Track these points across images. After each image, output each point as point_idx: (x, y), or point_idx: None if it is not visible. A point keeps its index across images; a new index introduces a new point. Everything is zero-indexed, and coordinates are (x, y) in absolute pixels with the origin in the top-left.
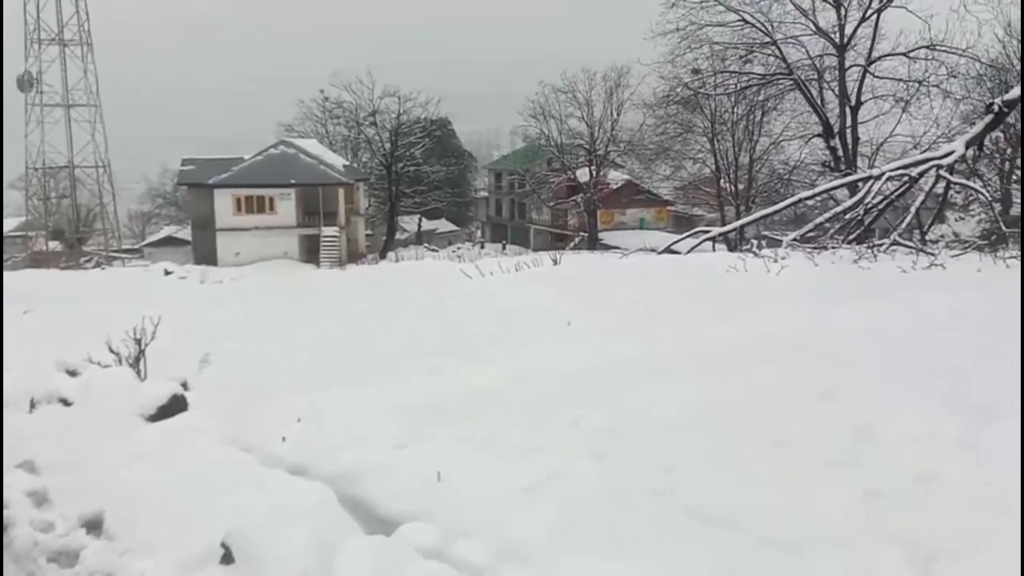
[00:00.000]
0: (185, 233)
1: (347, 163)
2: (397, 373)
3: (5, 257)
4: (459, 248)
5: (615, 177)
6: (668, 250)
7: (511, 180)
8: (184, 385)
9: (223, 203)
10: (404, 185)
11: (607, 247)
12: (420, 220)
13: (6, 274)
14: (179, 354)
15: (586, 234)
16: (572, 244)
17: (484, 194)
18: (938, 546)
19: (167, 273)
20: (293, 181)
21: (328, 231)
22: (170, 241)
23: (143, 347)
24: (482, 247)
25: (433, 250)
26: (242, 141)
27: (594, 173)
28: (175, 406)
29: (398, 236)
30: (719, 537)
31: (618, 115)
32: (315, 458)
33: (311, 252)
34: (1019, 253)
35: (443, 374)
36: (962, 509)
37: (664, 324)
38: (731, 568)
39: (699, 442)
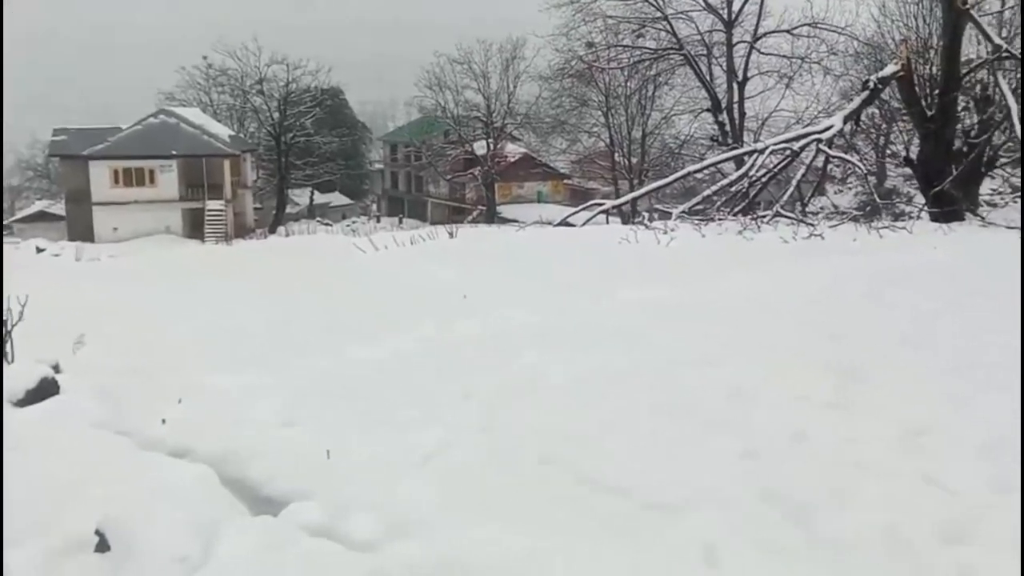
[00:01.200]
0: (59, 208)
1: (233, 133)
2: (283, 352)
3: None
4: (354, 222)
5: (512, 150)
6: (564, 223)
7: (407, 152)
8: (56, 368)
9: (99, 176)
10: (294, 156)
11: (505, 220)
12: (312, 193)
13: None
14: (52, 336)
15: (484, 208)
16: (470, 218)
17: (379, 166)
18: (810, 501)
19: (39, 250)
20: (175, 152)
21: (213, 205)
22: (42, 216)
23: (9, 329)
24: (378, 221)
25: (327, 224)
26: (116, 109)
27: (491, 146)
28: (46, 389)
29: (289, 210)
30: (606, 503)
31: (514, 87)
32: (197, 440)
33: (195, 227)
34: (899, 223)
35: (332, 352)
36: (832, 465)
37: (557, 295)
38: (618, 533)
39: (588, 410)
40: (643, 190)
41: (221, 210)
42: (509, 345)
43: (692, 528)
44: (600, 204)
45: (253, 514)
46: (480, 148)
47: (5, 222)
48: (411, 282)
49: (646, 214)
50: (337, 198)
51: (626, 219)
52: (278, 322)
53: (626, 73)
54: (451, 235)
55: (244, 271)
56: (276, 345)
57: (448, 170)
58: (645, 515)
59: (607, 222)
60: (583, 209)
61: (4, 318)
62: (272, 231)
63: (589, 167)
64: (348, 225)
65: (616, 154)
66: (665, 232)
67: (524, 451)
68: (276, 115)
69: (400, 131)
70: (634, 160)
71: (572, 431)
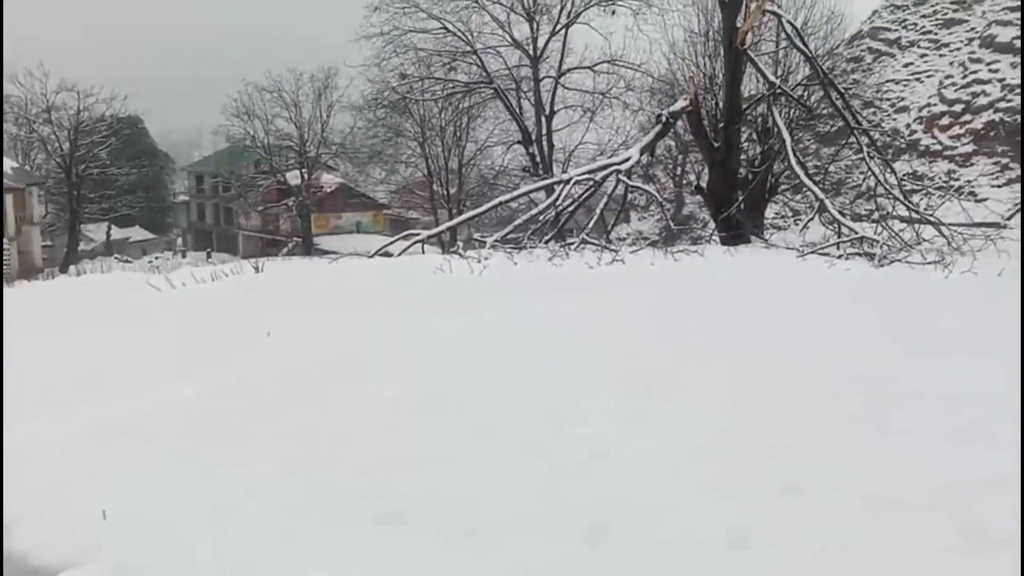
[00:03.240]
0: None
1: (17, 165)
2: (65, 401)
3: None
4: (157, 258)
5: (329, 180)
6: (382, 253)
7: (215, 183)
8: None
9: None
10: (88, 189)
11: (323, 252)
12: (109, 228)
13: None
14: None
15: (300, 239)
16: (285, 250)
17: (184, 198)
18: (613, 518)
19: None
20: None
21: None
22: None
23: None
24: (183, 256)
25: (126, 261)
26: None
27: (306, 176)
28: None
29: (83, 247)
30: (411, 538)
31: (328, 117)
32: None
33: None
34: (692, 247)
35: (120, 397)
36: (633, 480)
37: (368, 324)
38: (423, 569)
39: (397, 441)
40: (456, 220)
41: (5, 250)
42: (318, 378)
43: (500, 554)
44: (416, 234)
45: None
46: (294, 178)
47: None
48: (211, 320)
49: (461, 243)
50: (138, 232)
51: (445, 248)
52: (59, 369)
53: (440, 105)
54: (258, 269)
55: (22, 312)
56: (56, 393)
57: (260, 201)
58: (453, 546)
59: (423, 252)
60: (400, 239)
61: None
62: (63, 270)
63: (408, 197)
64: (150, 261)
65: (434, 184)
66: (479, 260)
67: (329, 489)
68: (66, 145)
69: (207, 161)
70: (452, 190)
71: (380, 464)
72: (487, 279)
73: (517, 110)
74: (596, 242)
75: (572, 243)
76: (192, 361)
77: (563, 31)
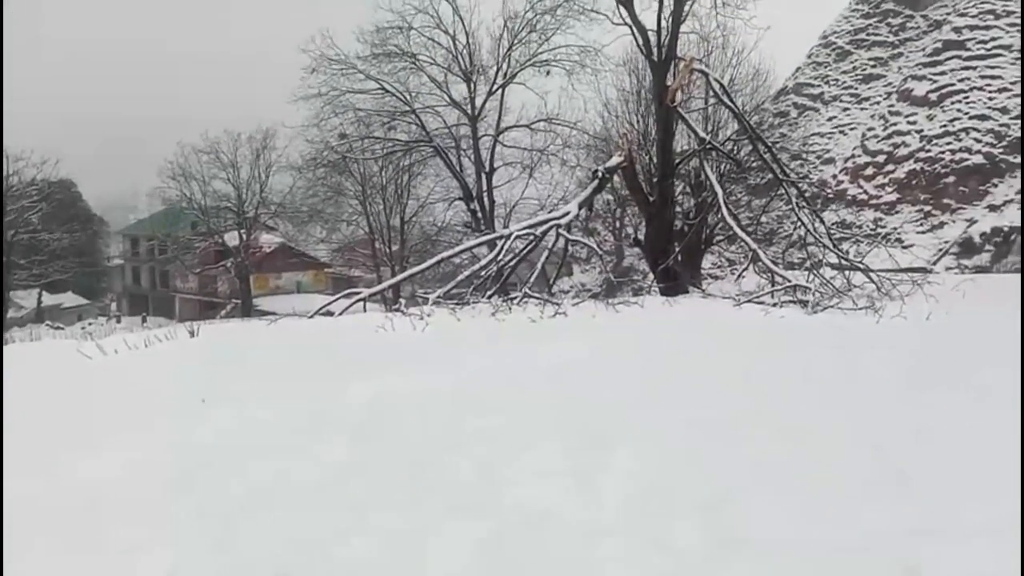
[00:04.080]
0: None
1: None
2: None
3: None
4: (90, 323)
5: (268, 240)
6: (323, 312)
7: (150, 246)
8: None
9: None
10: (17, 255)
11: (263, 313)
12: (40, 294)
13: None
14: None
15: (239, 301)
16: (224, 312)
17: (119, 262)
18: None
19: None
20: None
21: None
22: None
23: None
24: (118, 321)
25: (58, 328)
26: None
27: (244, 236)
28: None
29: (13, 314)
30: None
31: (267, 177)
32: None
33: None
34: (632, 298)
35: (42, 474)
36: (576, 540)
37: (307, 387)
38: None
39: (331, 509)
40: (399, 277)
41: None
42: (253, 445)
43: None
44: (357, 292)
45: None
46: (232, 239)
47: None
48: (142, 388)
49: (403, 300)
50: (71, 298)
51: (388, 306)
52: None
53: (380, 163)
54: (193, 333)
55: None
56: None
57: (197, 263)
58: None
59: (364, 310)
60: (340, 298)
61: None
62: None
63: (351, 255)
64: (83, 328)
65: (376, 241)
66: (421, 317)
67: (257, 568)
68: None
69: (142, 224)
70: (395, 247)
71: (316, 534)
72: (429, 336)
73: (457, 167)
74: (539, 296)
75: (515, 297)
76: (116, 432)
77: (500, 91)
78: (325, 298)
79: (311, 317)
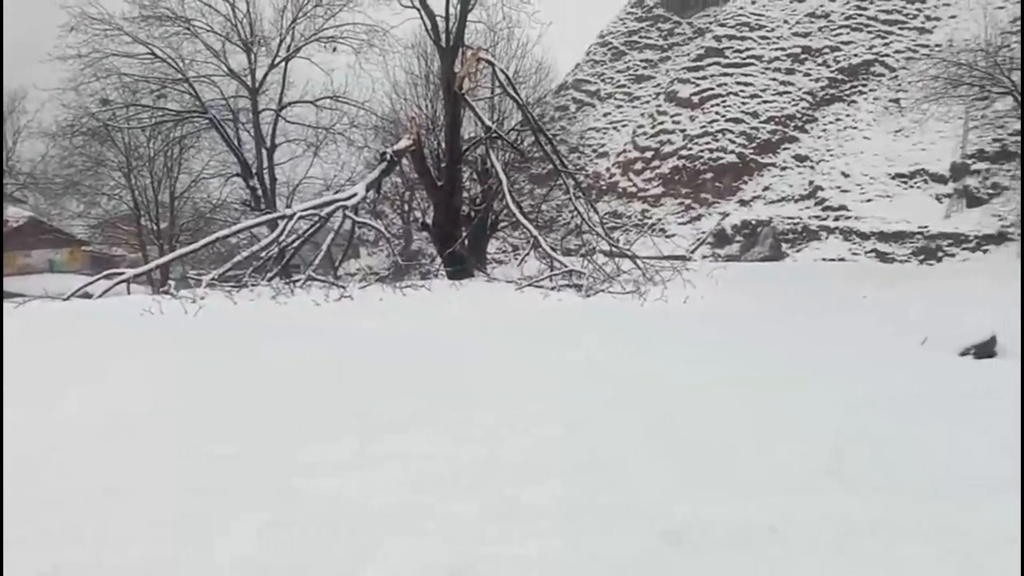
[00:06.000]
0: None
1: None
2: None
3: None
4: None
5: (15, 213)
6: (81, 295)
7: None
8: None
9: None
10: None
11: (10, 295)
12: None
13: None
14: None
15: None
16: None
17: None
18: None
19: None
20: None
21: None
22: None
23: None
24: None
25: None
26: None
27: None
28: None
29: None
30: None
31: (15, 144)
32: None
33: None
34: (420, 282)
35: None
36: (354, 520)
37: (54, 382)
38: None
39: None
40: (168, 257)
41: None
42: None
43: None
44: (120, 273)
45: None
46: None
47: None
48: None
49: (173, 282)
50: None
51: (156, 288)
52: None
53: (148, 133)
54: None
55: None
56: None
57: None
58: None
59: (128, 292)
60: (101, 278)
61: None
62: None
63: (112, 232)
64: None
65: (142, 218)
66: (194, 301)
67: None
68: None
69: None
70: (163, 224)
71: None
72: (202, 321)
73: (235, 141)
74: (323, 279)
75: (298, 280)
76: None
77: (283, 64)
78: (82, 278)
79: (67, 299)
